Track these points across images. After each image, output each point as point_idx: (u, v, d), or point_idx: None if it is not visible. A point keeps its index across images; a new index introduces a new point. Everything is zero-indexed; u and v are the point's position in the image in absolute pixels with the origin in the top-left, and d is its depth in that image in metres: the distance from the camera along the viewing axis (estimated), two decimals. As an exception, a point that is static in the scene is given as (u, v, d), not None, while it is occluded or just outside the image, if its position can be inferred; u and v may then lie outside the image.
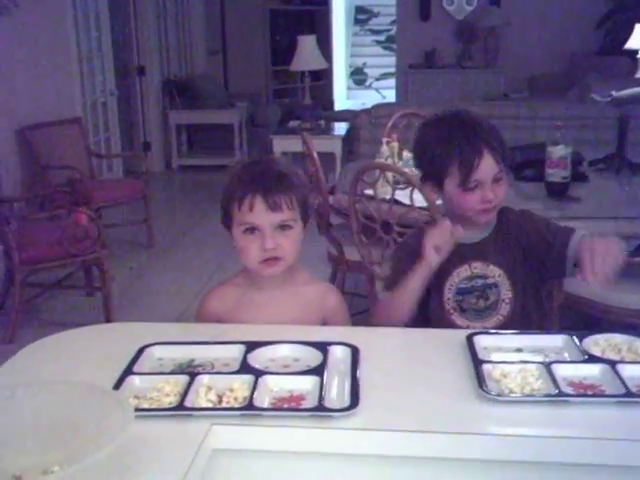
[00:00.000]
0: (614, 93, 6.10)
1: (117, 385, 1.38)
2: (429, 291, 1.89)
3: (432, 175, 1.88)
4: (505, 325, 1.87)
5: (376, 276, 3.09)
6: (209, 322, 1.80)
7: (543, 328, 1.89)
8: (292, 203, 1.71)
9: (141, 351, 1.52)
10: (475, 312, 1.90)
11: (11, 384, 1.28)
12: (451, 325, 1.88)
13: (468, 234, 1.85)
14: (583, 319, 3.05)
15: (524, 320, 1.90)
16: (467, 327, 1.86)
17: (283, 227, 1.72)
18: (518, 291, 1.89)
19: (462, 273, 1.89)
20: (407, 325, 1.86)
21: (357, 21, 12.94)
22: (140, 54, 7.50)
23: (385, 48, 12.50)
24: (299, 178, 1.77)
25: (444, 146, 1.82)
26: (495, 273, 1.89)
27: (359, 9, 12.85)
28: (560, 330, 1.65)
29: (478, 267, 1.89)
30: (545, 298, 2.02)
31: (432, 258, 1.77)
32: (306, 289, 1.83)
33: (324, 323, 1.83)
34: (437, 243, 1.77)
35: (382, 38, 12.70)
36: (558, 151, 3.14)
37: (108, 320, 3.88)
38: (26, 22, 4.89)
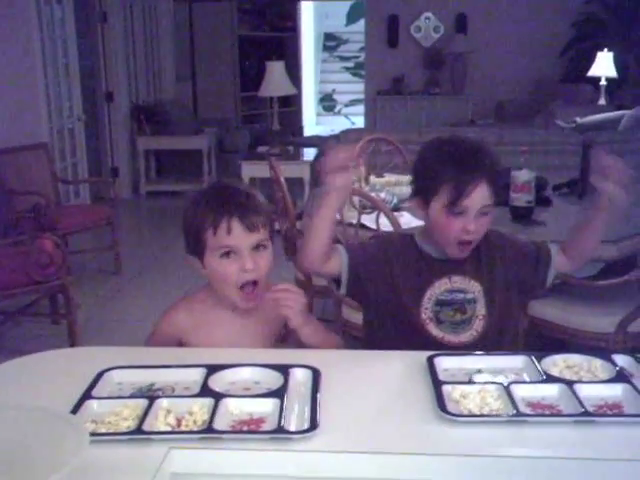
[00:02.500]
0: (578, 119, 6.22)
1: (75, 410, 1.36)
2: (407, 298, 1.90)
3: (422, 191, 1.87)
4: (478, 341, 1.89)
5: (343, 301, 3.09)
6: (170, 334, 1.79)
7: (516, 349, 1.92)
8: (265, 223, 1.73)
9: (100, 375, 1.50)
10: (451, 325, 1.90)
11: (-35, 410, 1.26)
12: (426, 334, 1.89)
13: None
14: (547, 343, 3.08)
15: (497, 338, 1.91)
16: (442, 338, 1.89)
17: (258, 247, 1.73)
18: (492, 309, 1.91)
19: (443, 285, 1.90)
20: (381, 326, 1.92)
21: (326, 48, 13.07)
22: (108, 80, 7.49)
23: (354, 75, 12.64)
24: (261, 198, 1.78)
25: (442, 163, 1.81)
26: (475, 289, 1.90)
27: (328, 36, 12.98)
28: (519, 351, 1.66)
29: (458, 281, 1.89)
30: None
31: (333, 181, 1.72)
32: (264, 303, 1.80)
33: (286, 329, 1.83)
34: (334, 165, 1.71)
35: (351, 65, 12.84)
36: (522, 176, 3.17)
37: (73, 347, 3.83)
38: (-8, 47, 4.87)
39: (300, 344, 1.79)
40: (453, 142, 1.86)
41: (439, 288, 1.89)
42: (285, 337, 1.87)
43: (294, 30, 10.91)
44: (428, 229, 1.91)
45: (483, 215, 1.81)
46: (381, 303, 1.94)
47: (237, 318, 1.81)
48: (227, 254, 1.70)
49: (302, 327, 1.75)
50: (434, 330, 1.90)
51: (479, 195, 1.78)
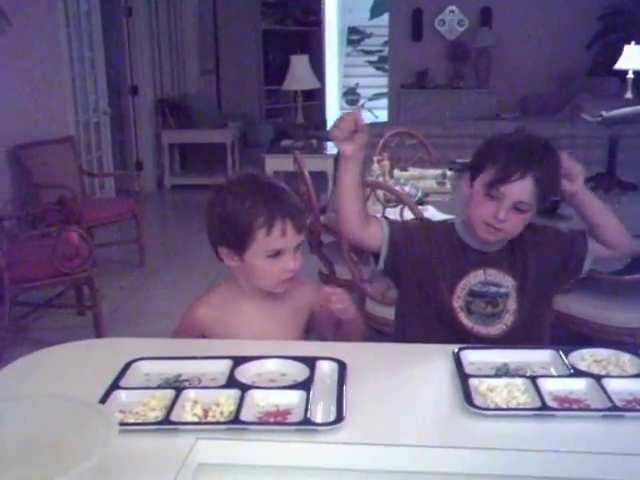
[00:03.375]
0: (604, 113, 6.14)
1: (103, 400, 1.37)
2: (440, 284, 1.90)
3: (473, 166, 1.88)
4: (508, 335, 1.89)
5: (367, 294, 3.09)
6: (194, 329, 1.79)
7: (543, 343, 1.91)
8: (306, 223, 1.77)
9: (128, 366, 1.52)
10: (481, 316, 1.91)
11: (-5, 399, 1.28)
12: (456, 323, 1.90)
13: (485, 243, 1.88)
14: (573, 337, 3.06)
15: (525, 333, 1.91)
16: (471, 328, 1.90)
17: (298, 247, 1.75)
18: (523, 305, 1.91)
19: (478, 277, 1.90)
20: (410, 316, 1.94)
21: (350, 42, 13.02)
22: (133, 74, 7.53)
23: (378, 68, 12.58)
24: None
25: (498, 146, 1.82)
26: (509, 283, 1.90)
27: (352, 30, 12.94)
28: (547, 345, 1.65)
29: (492, 274, 1.90)
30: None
31: (343, 148, 1.74)
32: (293, 292, 1.83)
33: (310, 320, 1.86)
34: (344, 127, 1.71)
35: (375, 58, 12.78)
36: (548, 169, 3.14)
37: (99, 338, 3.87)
38: (20, 41, 4.91)
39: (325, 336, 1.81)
40: (520, 134, 1.87)
41: (474, 279, 1.90)
42: (309, 329, 1.88)
43: (318, 24, 10.89)
44: (468, 206, 1.90)
45: (518, 211, 1.80)
46: (415, 287, 1.94)
47: (264, 308, 1.81)
48: (276, 255, 1.71)
49: (353, 321, 1.77)
50: (465, 320, 1.90)
51: (519, 188, 1.77)
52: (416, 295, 1.96)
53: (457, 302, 1.90)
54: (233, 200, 1.70)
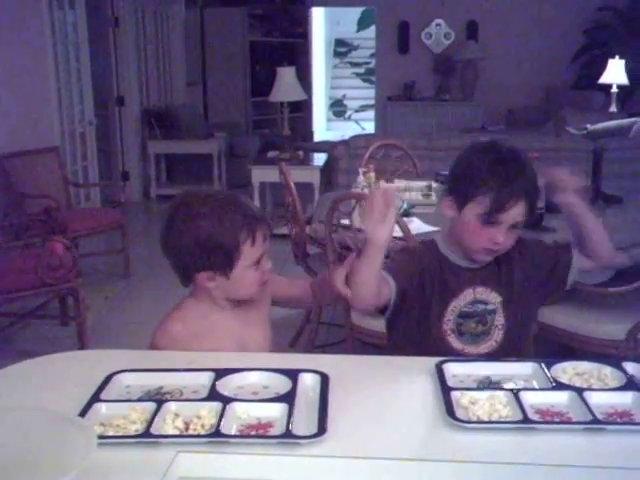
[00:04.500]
0: (589, 126, 6.19)
1: (83, 412, 1.36)
2: (431, 308, 1.90)
3: (459, 194, 1.83)
4: (497, 351, 1.89)
5: (352, 306, 3.08)
6: (172, 347, 1.76)
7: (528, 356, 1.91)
8: None
9: (109, 378, 1.51)
10: (472, 336, 1.90)
11: (-26, 411, 1.26)
12: (446, 346, 1.88)
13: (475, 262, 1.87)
14: (556, 349, 3.07)
15: (514, 347, 1.91)
16: (462, 350, 1.89)
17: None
18: (510, 319, 1.91)
19: (467, 297, 1.89)
20: (398, 343, 1.93)
21: (337, 54, 13.08)
22: (120, 84, 7.52)
23: (364, 80, 12.64)
24: None
25: (487, 172, 1.77)
26: (496, 300, 1.90)
27: (339, 42, 13.00)
28: (529, 358, 1.66)
29: (481, 292, 1.89)
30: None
31: (376, 236, 1.63)
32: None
33: (280, 302, 1.95)
34: (377, 208, 1.61)
35: (362, 71, 12.84)
36: (532, 182, 3.16)
37: (82, 350, 3.84)
38: (5, 52, 4.90)
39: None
40: (502, 152, 1.82)
41: (463, 300, 1.89)
42: (294, 342, 1.89)
43: (305, 36, 10.92)
44: (454, 231, 1.88)
45: (513, 228, 1.81)
46: (405, 314, 1.92)
47: (237, 314, 1.82)
48: (258, 262, 1.75)
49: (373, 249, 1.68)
50: (454, 342, 1.90)
51: (515, 212, 1.77)
52: (405, 320, 1.94)
53: (447, 325, 1.89)
54: (208, 222, 1.68)
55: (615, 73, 6.92)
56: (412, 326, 1.93)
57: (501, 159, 1.80)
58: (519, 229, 1.83)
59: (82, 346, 3.92)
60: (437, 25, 9.37)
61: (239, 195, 1.79)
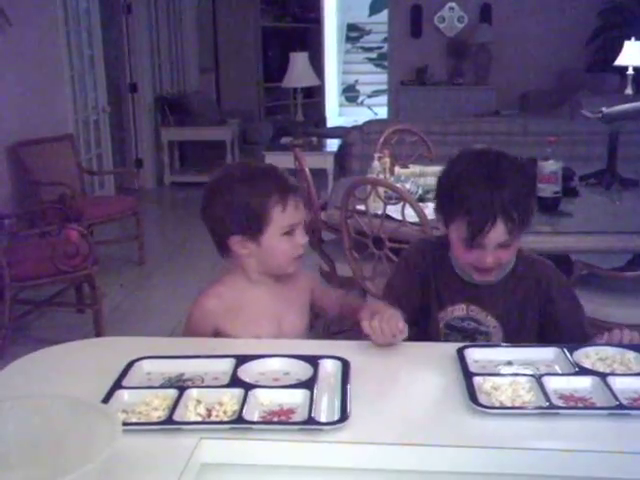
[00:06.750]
0: (604, 109, 6.13)
1: (105, 399, 1.36)
2: (429, 304, 1.89)
3: (442, 212, 1.81)
4: None
5: (368, 292, 3.08)
6: (207, 322, 1.78)
7: None
8: None
9: (130, 365, 1.51)
10: None
11: (-2, 399, 1.27)
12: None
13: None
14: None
15: None
16: None
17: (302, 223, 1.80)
18: (510, 341, 1.83)
19: (456, 312, 1.86)
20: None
21: (349, 39, 13.02)
22: (132, 71, 7.52)
23: (377, 65, 12.58)
24: None
25: (463, 196, 1.70)
26: (490, 324, 1.85)
27: (351, 27, 12.94)
28: (551, 343, 1.64)
29: (475, 311, 1.85)
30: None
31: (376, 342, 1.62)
32: (295, 275, 1.86)
33: (312, 306, 1.92)
34: (387, 333, 1.60)
35: (374, 55, 12.78)
36: (549, 166, 3.14)
37: (99, 337, 3.86)
38: (19, 39, 4.90)
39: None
40: (477, 167, 1.74)
41: (452, 313, 1.87)
42: (312, 324, 1.89)
43: (317, 21, 10.88)
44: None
45: (503, 247, 1.73)
46: (413, 310, 1.90)
47: (274, 291, 1.83)
48: (290, 231, 1.75)
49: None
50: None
51: (496, 233, 1.69)
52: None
53: (436, 329, 1.89)
54: (241, 186, 1.73)
55: (631, 55, 6.85)
56: (414, 318, 1.88)
57: (478, 179, 1.70)
58: (513, 243, 1.74)
59: (99, 333, 3.94)
60: (450, 8, 9.29)
61: (274, 166, 1.83)
